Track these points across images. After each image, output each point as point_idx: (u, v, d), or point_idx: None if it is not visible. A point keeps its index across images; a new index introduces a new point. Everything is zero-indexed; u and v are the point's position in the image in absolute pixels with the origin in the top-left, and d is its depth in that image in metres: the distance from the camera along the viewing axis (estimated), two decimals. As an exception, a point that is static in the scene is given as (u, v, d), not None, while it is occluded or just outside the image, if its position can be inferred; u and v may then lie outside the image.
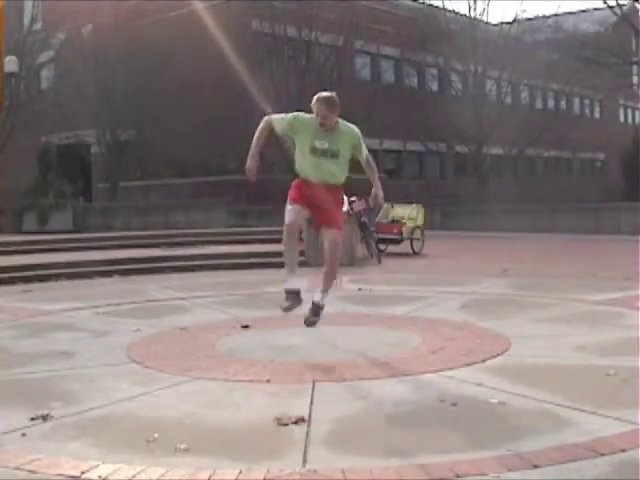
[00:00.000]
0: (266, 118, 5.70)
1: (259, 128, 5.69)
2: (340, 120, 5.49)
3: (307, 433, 3.61)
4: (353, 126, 5.57)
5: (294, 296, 5.73)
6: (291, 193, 5.59)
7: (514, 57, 27.67)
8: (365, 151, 5.61)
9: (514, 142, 29.31)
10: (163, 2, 24.45)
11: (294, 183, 5.65)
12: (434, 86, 31.10)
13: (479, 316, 6.90)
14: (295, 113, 5.61)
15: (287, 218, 5.60)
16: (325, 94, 5.44)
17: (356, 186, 8.81)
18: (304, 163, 5.53)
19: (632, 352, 5.06)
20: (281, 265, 13.19)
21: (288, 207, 5.59)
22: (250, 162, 5.69)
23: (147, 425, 3.78)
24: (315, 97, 5.43)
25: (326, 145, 5.43)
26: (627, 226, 18.45)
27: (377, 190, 5.73)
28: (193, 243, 14.49)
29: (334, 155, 5.44)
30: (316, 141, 5.45)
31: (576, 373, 4.70)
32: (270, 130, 5.66)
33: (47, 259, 12.07)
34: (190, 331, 6.49)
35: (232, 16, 22.25)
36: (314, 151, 5.45)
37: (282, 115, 5.65)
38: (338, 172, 5.50)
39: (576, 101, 39.61)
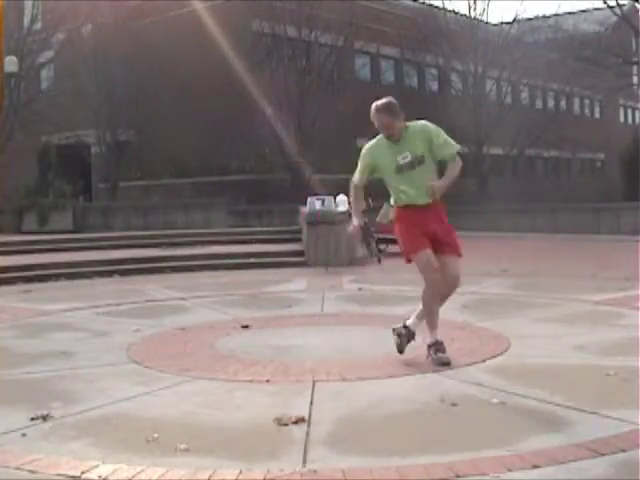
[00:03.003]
0: (352, 184, 5.22)
1: (352, 194, 5.25)
2: (408, 123, 4.97)
3: (307, 433, 3.61)
4: (420, 122, 5.02)
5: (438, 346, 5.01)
6: (406, 240, 5.04)
7: (514, 57, 27.63)
8: (449, 147, 4.90)
9: (514, 142, 29.29)
10: (163, 2, 24.42)
11: (398, 221, 5.11)
12: (434, 86, 31.07)
13: (479, 316, 6.90)
14: (364, 151, 5.10)
15: (428, 273, 4.89)
16: (381, 102, 4.91)
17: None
18: (398, 188, 4.99)
19: (632, 352, 5.06)
20: (280, 265, 13.21)
21: (418, 259, 4.93)
22: (354, 221, 5.25)
23: (147, 425, 3.78)
24: (372, 109, 4.90)
25: (408, 157, 4.89)
26: (627, 226, 18.42)
27: (439, 182, 4.91)
28: (193, 243, 14.49)
29: (420, 162, 4.89)
30: (398, 157, 4.91)
31: (576, 373, 4.70)
32: (362, 188, 5.21)
33: (47, 259, 12.07)
34: (190, 331, 6.49)
35: (232, 16, 22.23)
36: (400, 170, 4.92)
37: (358, 168, 5.14)
38: (431, 181, 4.91)
39: (576, 101, 39.56)
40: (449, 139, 4.97)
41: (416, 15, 28.43)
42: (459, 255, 5.03)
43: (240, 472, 3.13)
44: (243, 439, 3.58)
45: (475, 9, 28.62)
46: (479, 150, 28.83)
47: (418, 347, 5.51)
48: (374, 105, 4.94)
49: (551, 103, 37.29)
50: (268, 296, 8.91)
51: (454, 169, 4.95)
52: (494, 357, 5.13)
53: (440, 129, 5.02)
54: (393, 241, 15.16)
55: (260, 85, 20.35)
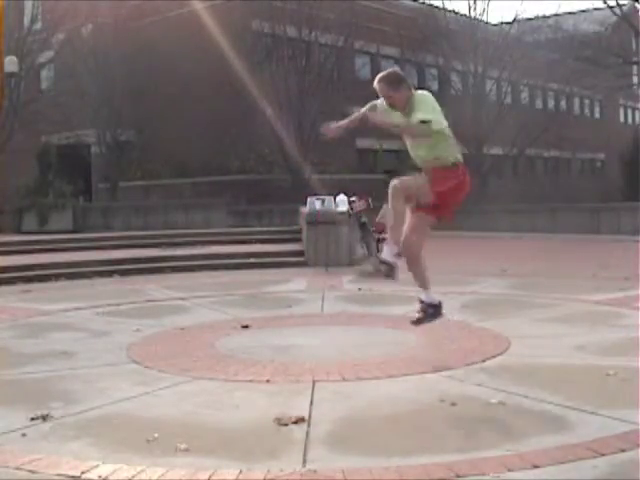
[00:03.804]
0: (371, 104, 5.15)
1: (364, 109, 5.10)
2: (415, 92, 4.92)
3: (307, 433, 3.61)
4: (420, 92, 4.97)
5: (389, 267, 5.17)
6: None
7: (514, 57, 27.65)
8: (416, 116, 4.71)
9: (514, 142, 29.30)
10: (163, 2, 24.44)
11: None
12: (434, 86, 31.03)
13: (479, 316, 6.90)
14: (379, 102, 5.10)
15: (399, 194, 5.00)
16: (382, 73, 4.95)
17: (356, 186, 8.83)
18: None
19: (632, 352, 5.06)
20: (280, 265, 13.20)
21: (411, 181, 5.07)
22: (337, 124, 5.08)
23: (147, 425, 3.78)
24: (375, 79, 4.91)
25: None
26: (627, 226, 18.39)
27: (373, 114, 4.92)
28: (193, 243, 14.48)
29: None
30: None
31: (576, 373, 4.70)
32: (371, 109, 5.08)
33: (47, 259, 12.06)
34: (190, 331, 6.49)
35: (232, 16, 22.23)
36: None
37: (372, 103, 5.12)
38: (427, 151, 4.90)
39: (576, 101, 39.57)
40: (428, 111, 4.75)
41: (416, 15, 28.44)
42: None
43: (240, 472, 3.13)
44: (243, 439, 3.58)
45: (475, 9, 28.66)
46: (479, 150, 28.84)
47: (417, 347, 5.52)
48: (377, 77, 4.92)
49: (551, 103, 37.29)
50: (268, 296, 8.90)
51: (408, 124, 4.79)
52: (494, 357, 5.14)
53: (428, 101, 4.86)
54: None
55: (260, 85, 20.34)
